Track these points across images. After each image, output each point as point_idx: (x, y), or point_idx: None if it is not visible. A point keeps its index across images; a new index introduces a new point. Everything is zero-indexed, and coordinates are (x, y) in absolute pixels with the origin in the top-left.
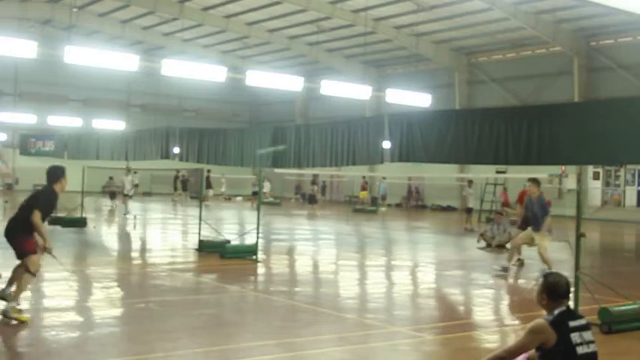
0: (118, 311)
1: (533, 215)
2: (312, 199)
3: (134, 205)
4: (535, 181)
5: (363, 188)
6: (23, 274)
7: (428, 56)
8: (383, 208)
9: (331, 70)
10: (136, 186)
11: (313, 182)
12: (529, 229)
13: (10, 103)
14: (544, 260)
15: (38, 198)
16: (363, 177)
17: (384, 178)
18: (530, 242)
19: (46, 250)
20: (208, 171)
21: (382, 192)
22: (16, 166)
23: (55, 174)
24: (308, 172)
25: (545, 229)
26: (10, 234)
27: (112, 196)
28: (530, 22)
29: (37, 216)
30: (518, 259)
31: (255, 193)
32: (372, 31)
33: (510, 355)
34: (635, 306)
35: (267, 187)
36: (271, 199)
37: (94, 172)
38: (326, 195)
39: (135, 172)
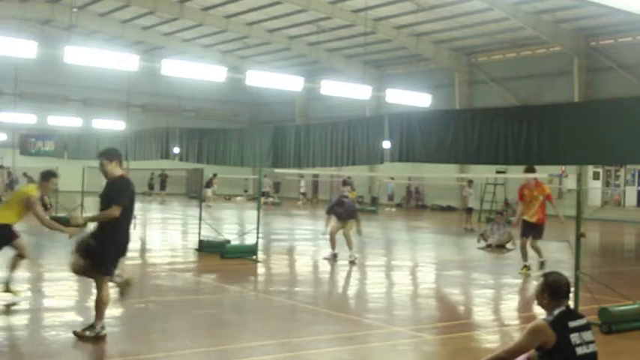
0: (118, 311)
1: None
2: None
3: None
4: None
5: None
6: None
7: (428, 56)
8: (390, 209)
9: (331, 70)
10: None
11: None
12: None
13: (10, 103)
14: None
15: None
16: (348, 177)
17: (392, 178)
18: None
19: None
20: (214, 175)
21: (390, 192)
22: (16, 166)
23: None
24: (308, 172)
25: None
26: None
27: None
28: (530, 22)
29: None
30: None
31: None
32: (372, 31)
33: (510, 356)
34: (635, 306)
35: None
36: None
37: (94, 172)
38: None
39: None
